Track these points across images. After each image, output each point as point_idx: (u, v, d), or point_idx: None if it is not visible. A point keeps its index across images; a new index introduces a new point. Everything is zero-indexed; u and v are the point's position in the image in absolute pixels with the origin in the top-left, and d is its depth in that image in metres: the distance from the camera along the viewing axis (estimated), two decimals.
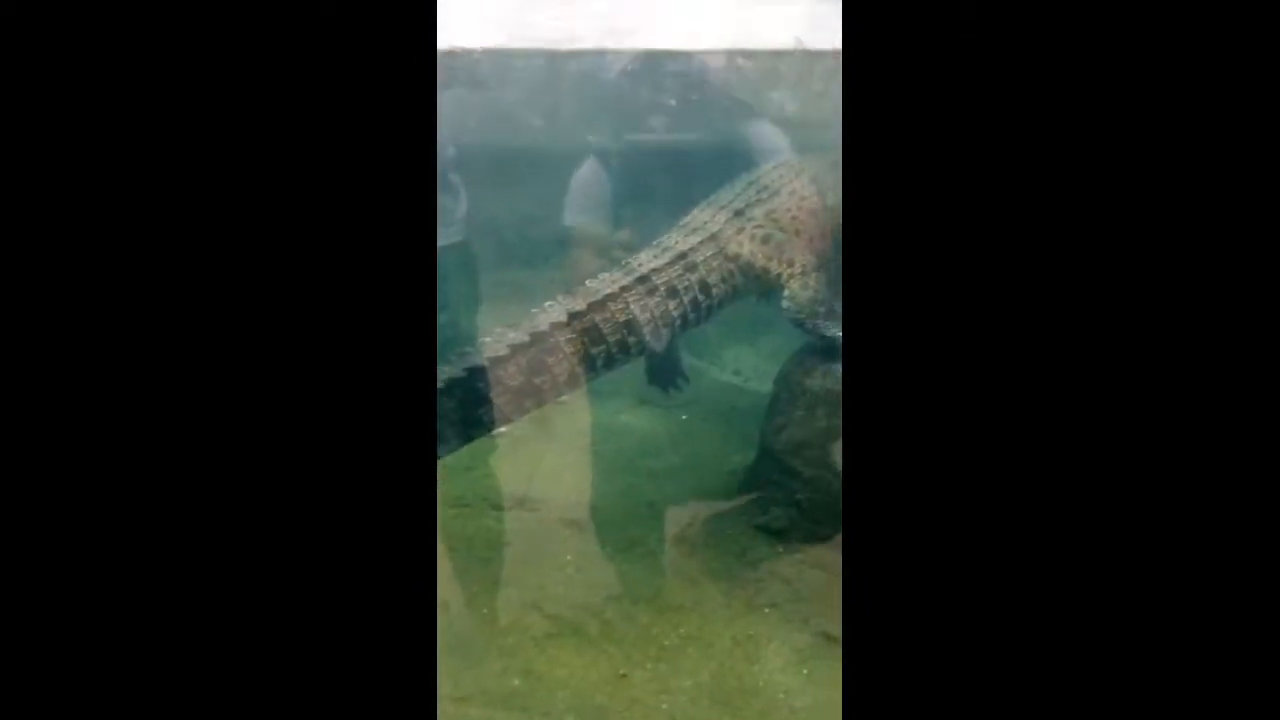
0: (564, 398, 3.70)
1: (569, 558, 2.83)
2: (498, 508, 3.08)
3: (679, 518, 3.05)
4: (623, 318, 2.77)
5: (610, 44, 3.51)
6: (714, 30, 3.44)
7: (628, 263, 2.88)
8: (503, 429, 3.42)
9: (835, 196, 3.15)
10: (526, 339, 2.65)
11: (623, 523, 3.03)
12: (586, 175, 3.40)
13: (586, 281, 2.80)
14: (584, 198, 3.39)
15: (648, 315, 2.81)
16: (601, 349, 2.75)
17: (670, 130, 3.57)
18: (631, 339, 2.80)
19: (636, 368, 3.47)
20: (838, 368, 2.78)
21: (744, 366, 4.20)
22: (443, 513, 3.02)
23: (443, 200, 3.48)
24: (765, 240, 2.95)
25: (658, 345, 2.91)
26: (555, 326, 2.69)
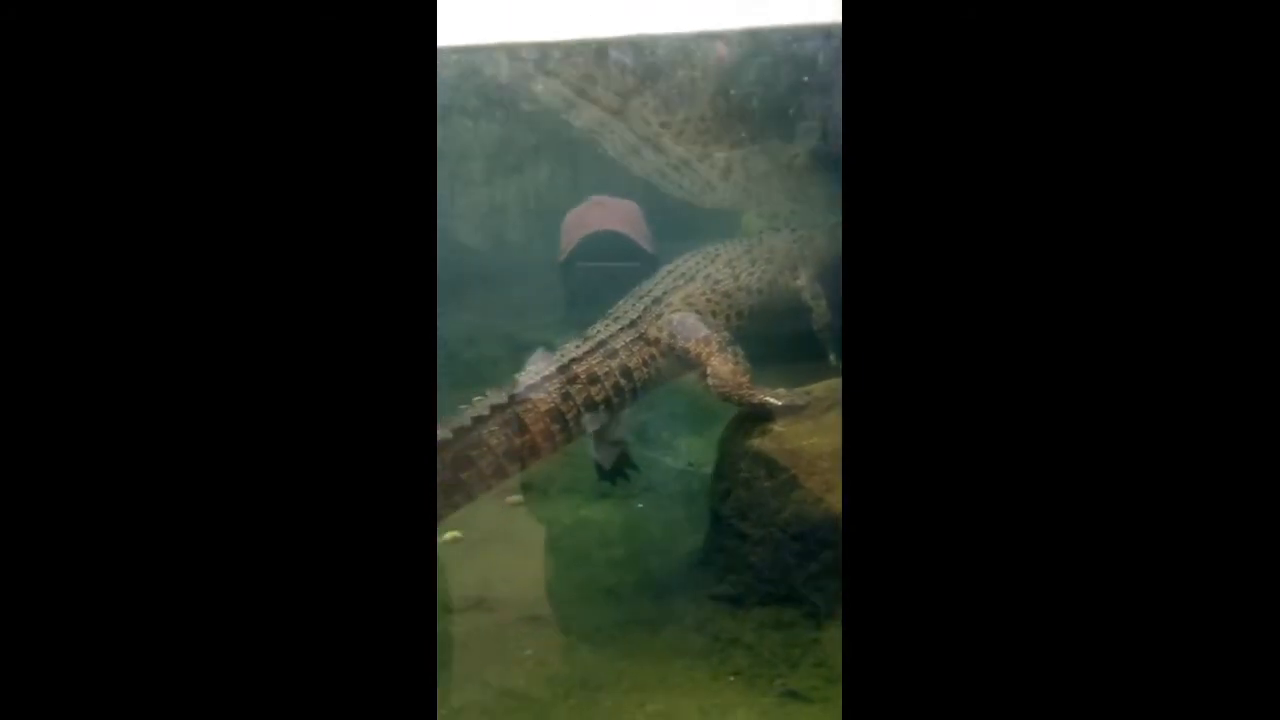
0: (516, 497, 3.70)
1: (529, 651, 2.76)
2: (452, 611, 3.02)
3: (638, 601, 3.02)
4: (545, 407, 2.82)
5: None
6: None
7: (551, 354, 2.96)
8: (453, 532, 3.40)
9: (748, 278, 3.34)
10: (450, 435, 2.67)
11: (582, 612, 2.98)
12: None
13: (515, 375, 2.87)
14: None
15: (570, 403, 2.87)
16: (526, 439, 2.79)
17: None
18: (555, 427, 2.84)
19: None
20: (775, 427, 2.84)
21: (696, 456, 4.23)
22: None
23: None
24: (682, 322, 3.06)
25: (585, 430, 2.96)
26: (478, 420, 2.73)
